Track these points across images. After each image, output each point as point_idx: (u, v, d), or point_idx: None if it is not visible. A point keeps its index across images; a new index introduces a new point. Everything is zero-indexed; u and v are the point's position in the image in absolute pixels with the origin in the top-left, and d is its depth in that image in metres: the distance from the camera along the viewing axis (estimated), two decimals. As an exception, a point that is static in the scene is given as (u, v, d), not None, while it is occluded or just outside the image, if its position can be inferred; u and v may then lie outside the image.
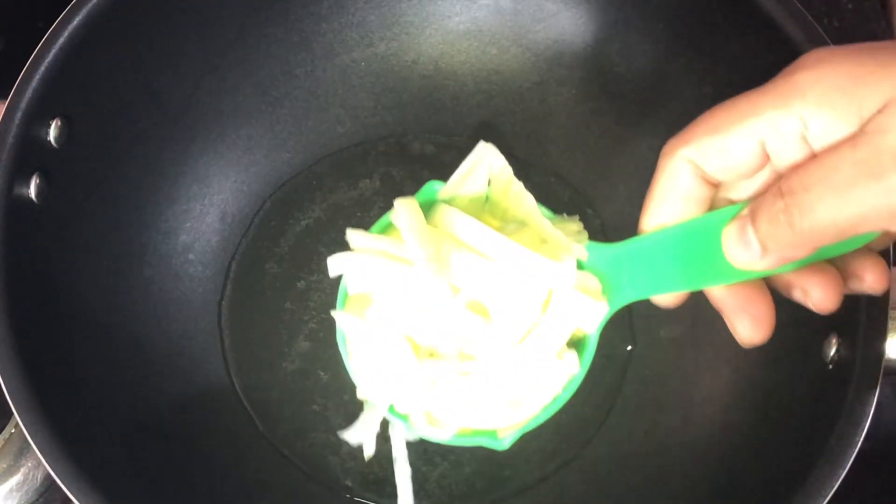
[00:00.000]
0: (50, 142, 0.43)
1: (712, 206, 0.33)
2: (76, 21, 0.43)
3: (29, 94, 0.42)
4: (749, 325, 0.32)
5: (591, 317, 0.35)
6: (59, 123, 0.43)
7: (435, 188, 0.37)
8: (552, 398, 0.36)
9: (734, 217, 0.30)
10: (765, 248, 0.29)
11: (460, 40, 0.55)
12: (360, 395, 0.37)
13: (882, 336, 0.37)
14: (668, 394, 0.49)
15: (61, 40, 0.43)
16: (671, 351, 0.50)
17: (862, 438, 0.37)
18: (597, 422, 0.50)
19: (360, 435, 0.39)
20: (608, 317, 0.35)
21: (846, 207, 0.26)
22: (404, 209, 0.35)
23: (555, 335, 0.35)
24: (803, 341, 0.41)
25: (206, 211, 0.53)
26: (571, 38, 0.53)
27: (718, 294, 0.33)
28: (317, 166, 0.55)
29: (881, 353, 0.37)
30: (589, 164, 0.54)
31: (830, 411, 0.38)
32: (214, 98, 0.52)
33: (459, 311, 0.34)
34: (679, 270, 0.33)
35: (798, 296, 0.31)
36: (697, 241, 0.32)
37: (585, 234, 0.36)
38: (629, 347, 0.51)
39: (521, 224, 0.36)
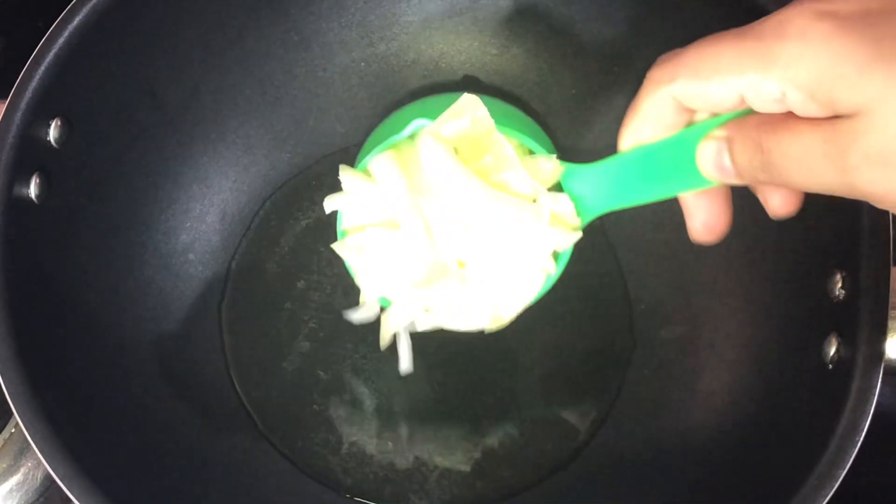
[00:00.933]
0: (50, 142, 0.43)
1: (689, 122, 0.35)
2: (76, 21, 0.43)
3: (29, 94, 0.42)
4: (701, 227, 0.36)
5: (565, 242, 0.38)
6: (59, 123, 0.43)
7: (421, 125, 0.39)
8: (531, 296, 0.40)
9: (709, 135, 0.32)
10: (740, 176, 0.31)
11: (460, 40, 0.55)
12: (361, 298, 0.41)
13: (882, 336, 0.38)
14: (668, 394, 0.49)
15: (61, 40, 0.42)
16: (671, 351, 0.50)
17: (862, 438, 0.37)
18: (597, 422, 0.50)
19: (363, 316, 0.43)
20: (584, 225, 0.38)
21: (815, 185, 0.29)
22: (384, 164, 0.37)
23: (530, 264, 0.38)
24: (803, 341, 0.41)
25: (206, 211, 0.53)
26: (571, 37, 0.53)
27: (685, 194, 0.35)
28: (317, 166, 0.55)
29: (881, 353, 0.37)
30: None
31: (830, 411, 0.38)
32: (214, 98, 0.52)
33: (437, 258, 0.37)
34: (651, 182, 0.35)
35: (760, 198, 0.34)
36: (671, 156, 0.34)
37: (562, 169, 0.39)
38: (629, 347, 0.51)
39: (498, 158, 0.38)
